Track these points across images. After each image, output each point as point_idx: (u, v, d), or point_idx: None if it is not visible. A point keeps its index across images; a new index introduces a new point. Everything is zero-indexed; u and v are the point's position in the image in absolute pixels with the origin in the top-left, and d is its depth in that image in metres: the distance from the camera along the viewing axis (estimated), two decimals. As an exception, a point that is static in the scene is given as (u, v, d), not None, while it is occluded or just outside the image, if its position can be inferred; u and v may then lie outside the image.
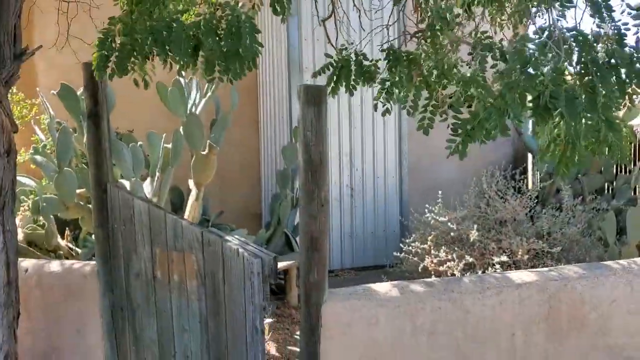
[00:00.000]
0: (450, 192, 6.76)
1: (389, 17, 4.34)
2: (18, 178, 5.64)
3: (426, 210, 6.16)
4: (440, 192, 6.18)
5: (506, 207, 6.04)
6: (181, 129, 5.55)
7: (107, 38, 2.77)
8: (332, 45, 4.35)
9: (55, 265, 4.35)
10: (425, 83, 3.05)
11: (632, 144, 7.50)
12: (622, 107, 2.97)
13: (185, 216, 5.69)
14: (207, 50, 2.70)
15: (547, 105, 2.36)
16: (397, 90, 3.18)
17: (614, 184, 7.58)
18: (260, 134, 8.17)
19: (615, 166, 7.68)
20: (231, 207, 7.50)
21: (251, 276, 3.12)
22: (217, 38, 2.71)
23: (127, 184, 5.14)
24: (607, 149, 2.94)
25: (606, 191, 7.62)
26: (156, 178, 5.40)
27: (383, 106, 3.36)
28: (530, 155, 8.41)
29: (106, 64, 2.80)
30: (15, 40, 3.55)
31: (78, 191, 5.32)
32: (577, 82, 2.43)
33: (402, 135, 7.59)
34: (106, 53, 2.77)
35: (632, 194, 7.04)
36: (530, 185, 8.17)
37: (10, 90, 6.70)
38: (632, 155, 7.71)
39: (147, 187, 5.50)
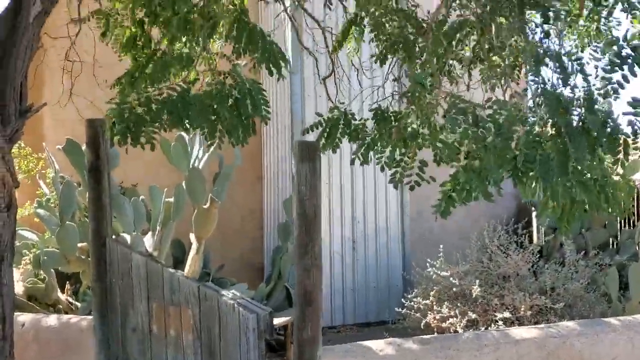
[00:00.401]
0: (454, 243, 6.75)
1: (386, 75, 4.45)
2: (20, 232, 5.70)
3: (427, 264, 6.13)
4: (441, 246, 6.16)
5: (508, 262, 6.01)
6: (183, 183, 5.62)
7: (124, 110, 2.87)
8: (332, 102, 4.47)
9: (52, 320, 4.35)
10: (403, 140, 3.13)
11: (634, 198, 7.50)
12: (613, 163, 3.00)
13: (186, 270, 5.69)
14: (223, 119, 2.81)
15: (522, 169, 2.42)
16: (376, 147, 3.27)
17: (618, 238, 7.54)
18: (263, 187, 8.24)
19: (619, 220, 7.65)
20: (233, 260, 7.50)
21: (247, 332, 3.12)
22: (230, 106, 2.83)
23: (128, 238, 5.18)
24: (606, 204, 2.97)
25: (610, 246, 7.56)
26: (157, 232, 5.44)
27: (360, 163, 3.43)
28: (533, 209, 8.41)
29: (126, 134, 2.90)
30: (22, 98, 3.66)
31: (80, 245, 5.36)
32: (551, 146, 2.48)
33: (403, 187, 7.61)
34: (126, 125, 2.86)
35: (637, 248, 6.98)
36: (534, 240, 8.15)
37: (18, 145, 6.87)
38: (636, 210, 7.70)
39: (148, 241, 5.53)
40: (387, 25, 3.75)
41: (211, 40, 3.00)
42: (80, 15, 4.04)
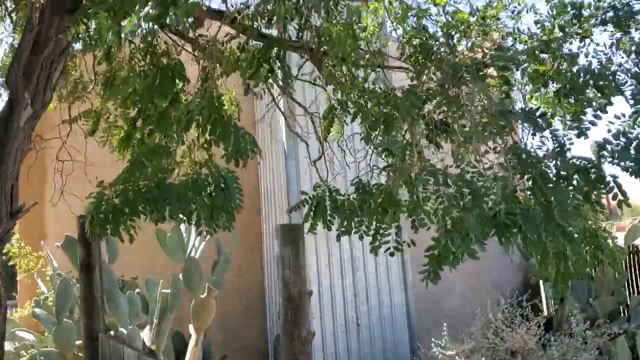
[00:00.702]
0: (462, 317, 6.63)
1: (367, 150, 4.57)
2: (17, 332, 5.67)
3: (432, 344, 6.00)
4: (445, 324, 6.05)
5: (514, 337, 5.86)
6: (180, 274, 5.62)
7: (100, 202, 2.95)
8: (324, 182, 4.57)
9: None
10: (382, 209, 3.16)
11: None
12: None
13: (186, 363, 5.59)
14: (199, 206, 2.89)
15: (506, 222, 2.44)
16: (355, 218, 3.31)
17: (628, 305, 7.36)
18: (264, 271, 8.21)
19: (627, 287, 7.51)
20: (237, 349, 7.36)
21: None
22: (209, 194, 2.92)
23: (125, 332, 5.13)
24: (599, 259, 2.95)
25: (621, 314, 7.38)
26: (154, 325, 5.39)
27: (344, 234, 3.46)
28: (541, 280, 8.28)
29: (104, 226, 2.97)
30: (12, 200, 3.75)
31: (77, 342, 5.30)
32: (531, 197, 2.52)
33: (405, 262, 7.55)
34: (103, 216, 2.94)
35: (646, 315, 6.80)
36: (544, 311, 7.99)
37: (18, 244, 6.95)
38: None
39: (146, 335, 5.47)
40: (367, 105, 3.92)
41: (188, 132, 3.11)
42: (71, 116, 4.21)
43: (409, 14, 3.78)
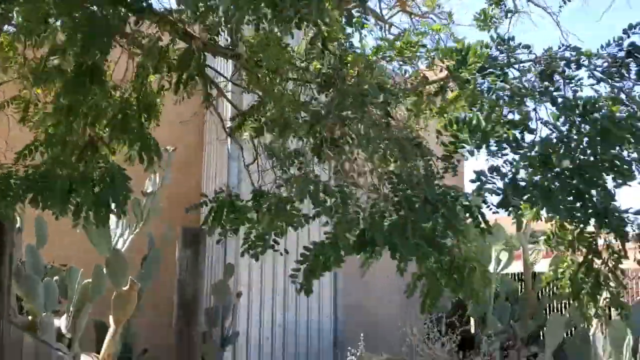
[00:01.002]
0: (389, 329, 6.80)
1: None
2: None
3: (348, 353, 6.14)
4: (362, 334, 6.20)
5: (429, 354, 6.05)
6: (104, 266, 5.63)
7: None
8: (254, 187, 4.70)
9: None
10: (270, 219, 3.30)
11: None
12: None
13: (101, 353, 5.61)
14: (82, 197, 2.95)
15: (369, 239, 2.60)
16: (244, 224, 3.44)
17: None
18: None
19: (546, 311, 7.78)
20: (162, 344, 7.38)
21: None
22: (92, 185, 2.97)
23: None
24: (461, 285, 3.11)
25: (540, 337, 7.63)
26: (70, 314, 5.40)
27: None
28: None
29: None
30: None
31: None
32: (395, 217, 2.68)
33: (336, 274, 7.70)
34: None
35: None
36: (472, 330, 8.21)
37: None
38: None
39: (64, 322, 5.48)
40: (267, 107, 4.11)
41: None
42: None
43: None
